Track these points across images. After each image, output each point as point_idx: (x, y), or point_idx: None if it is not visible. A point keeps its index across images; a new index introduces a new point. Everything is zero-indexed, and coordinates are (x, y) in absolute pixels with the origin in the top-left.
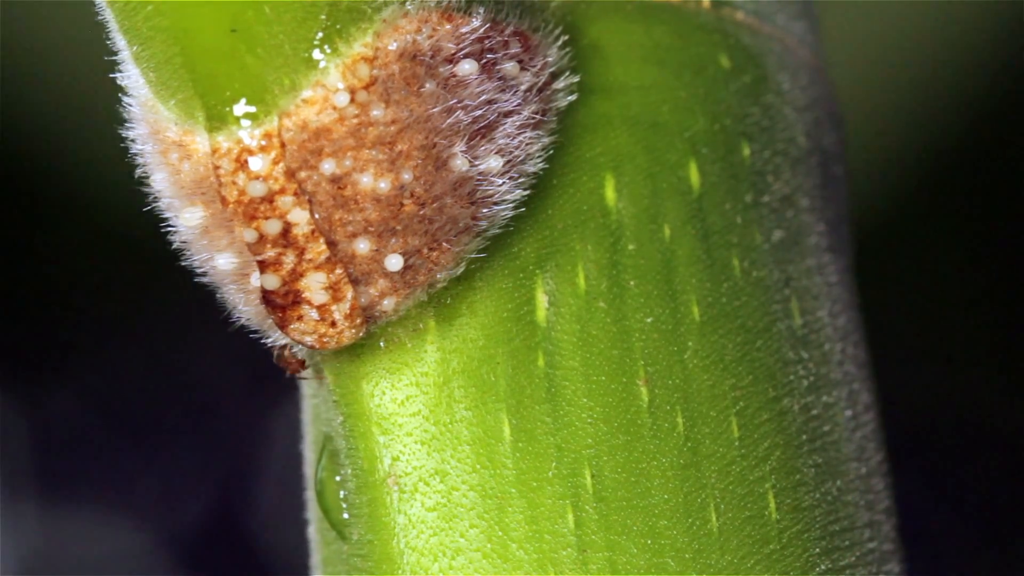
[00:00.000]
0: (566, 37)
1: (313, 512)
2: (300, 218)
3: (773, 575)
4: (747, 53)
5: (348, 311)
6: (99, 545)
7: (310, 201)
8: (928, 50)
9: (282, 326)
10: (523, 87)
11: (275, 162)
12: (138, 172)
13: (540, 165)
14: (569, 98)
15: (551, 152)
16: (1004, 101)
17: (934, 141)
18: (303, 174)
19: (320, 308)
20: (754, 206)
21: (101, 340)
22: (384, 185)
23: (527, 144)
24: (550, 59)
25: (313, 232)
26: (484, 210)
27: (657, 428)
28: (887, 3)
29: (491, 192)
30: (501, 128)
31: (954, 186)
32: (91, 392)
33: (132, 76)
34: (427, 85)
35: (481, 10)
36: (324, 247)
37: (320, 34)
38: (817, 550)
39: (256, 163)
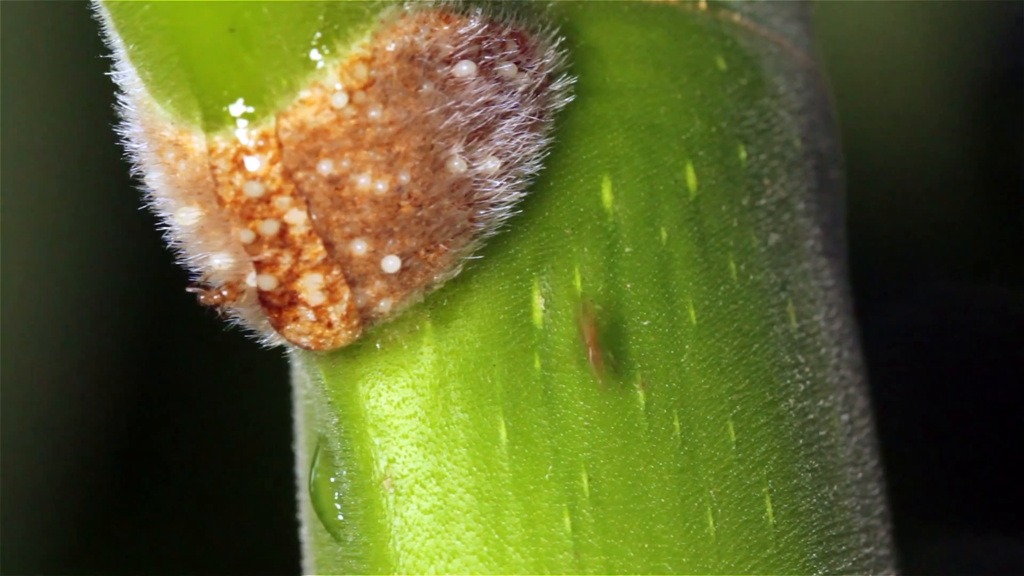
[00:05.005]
0: (563, 38)
1: (306, 513)
2: (297, 219)
3: None
4: (743, 55)
5: (344, 312)
6: (84, 544)
7: (307, 202)
8: (924, 53)
9: (278, 327)
10: (520, 88)
11: (272, 162)
12: (133, 171)
13: (537, 167)
14: (566, 100)
15: (548, 154)
16: (1002, 104)
17: (929, 144)
18: (300, 175)
19: (316, 309)
20: (750, 209)
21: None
22: (382, 186)
23: (524, 146)
24: (547, 60)
25: (310, 233)
26: (481, 212)
27: (654, 432)
28: (883, 4)
29: (488, 194)
30: (499, 130)
31: (950, 189)
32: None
33: (127, 74)
34: (425, 86)
35: (479, 11)
36: (321, 248)
37: (318, 35)
38: (814, 555)
39: (253, 163)
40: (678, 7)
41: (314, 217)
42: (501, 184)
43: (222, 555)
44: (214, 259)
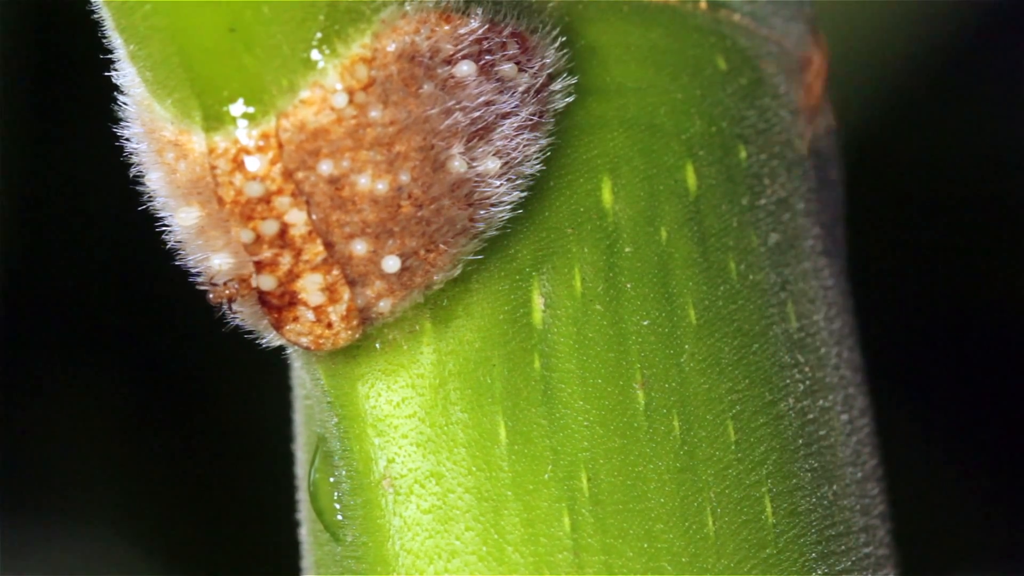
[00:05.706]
0: (564, 38)
1: (305, 513)
2: (297, 219)
3: None
4: (744, 55)
5: (344, 312)
6: (89, 546)
7: (307, 202)
8: (924, 53)
9: (278, 327)
10: (521, 88)
11: (272, 162)
12: (133, 171)
13: (537, 167)
14: (566, 100)
15: (548, 154)
16: (1001, 104)
17: (929, 143)
18: (301, 175)
19: (316, 309)
20: (750, 209)
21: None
22: (382, 186)
23: (525, 146)
24: (548, 60)
25: (310, 233)
26: (481, 212)
27: (653, 431)
28: (883, 4)
29: (489, 194)
30: (499, 130)
31: (950, 188)
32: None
33: (127, 74)
34: (425, 86)
35: (479, 11)
36: (321, 248)
37: (319, 35)
38: (813, 555)
39: (253, 163)
40: (678, 7)
41: (314, 217)
42: (501, 184)
43: (222, 555)
44: (214, 259)
